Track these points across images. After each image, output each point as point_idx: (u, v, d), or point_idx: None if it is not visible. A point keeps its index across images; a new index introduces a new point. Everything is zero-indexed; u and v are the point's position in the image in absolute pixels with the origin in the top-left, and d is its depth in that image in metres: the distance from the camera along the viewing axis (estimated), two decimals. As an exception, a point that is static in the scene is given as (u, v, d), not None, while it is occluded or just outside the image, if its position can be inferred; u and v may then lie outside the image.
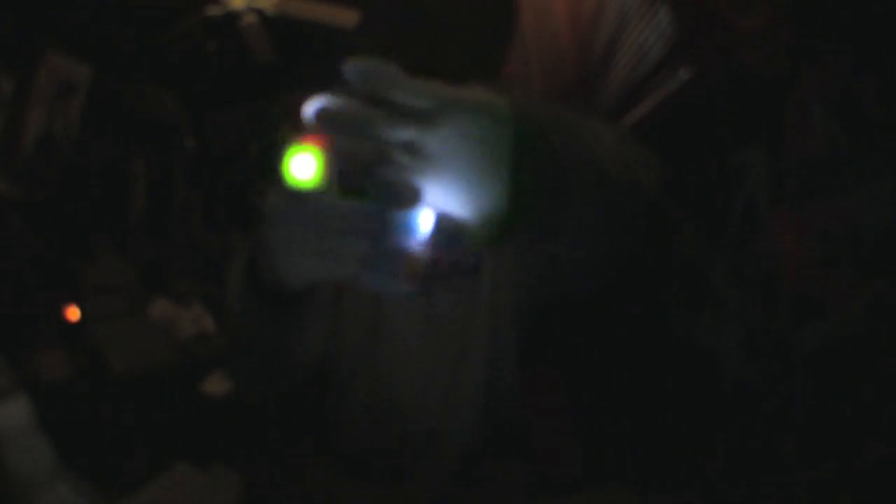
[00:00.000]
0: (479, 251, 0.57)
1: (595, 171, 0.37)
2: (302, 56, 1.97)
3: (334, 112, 0.29)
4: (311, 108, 0.30)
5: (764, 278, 0.55)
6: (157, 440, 1.19)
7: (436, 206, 0.32)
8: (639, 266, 0.51)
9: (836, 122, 0.51)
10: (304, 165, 0.30)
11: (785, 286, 0.53)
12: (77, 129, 1.88)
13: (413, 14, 0.65)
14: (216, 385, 1.43)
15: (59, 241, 1.71)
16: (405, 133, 0.30)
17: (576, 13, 0.69)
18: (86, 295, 1.61)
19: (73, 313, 1.55)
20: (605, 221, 0.40)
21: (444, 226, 0.32)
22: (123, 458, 1.08)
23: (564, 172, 0.35)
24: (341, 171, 0.31)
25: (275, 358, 0.48)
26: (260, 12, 1.81)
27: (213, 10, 1.81)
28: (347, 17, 1.66)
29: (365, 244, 0.30)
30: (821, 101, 0.52)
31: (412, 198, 0.29)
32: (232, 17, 1.83)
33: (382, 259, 0.31)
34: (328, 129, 0.30)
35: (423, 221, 0.31)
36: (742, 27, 0.55)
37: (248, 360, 0.51)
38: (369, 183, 0.29)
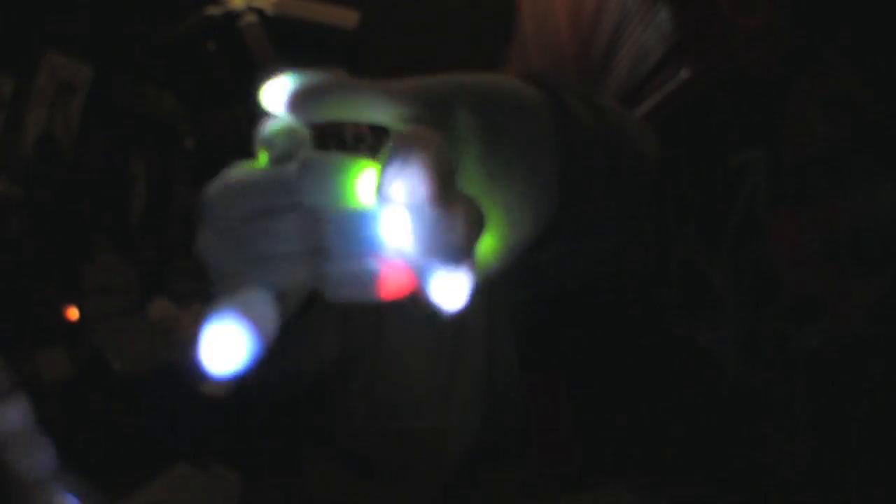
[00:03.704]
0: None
1: (618, 154, 0.34)
2: (302, 56, 1.97)
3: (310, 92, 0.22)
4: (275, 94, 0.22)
5: (764, 278, 0.55)
6: (157, 440, 1.19)
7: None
8: (633, 260, 0.51)
9: (835, 122, 0.51)
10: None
11: (785, 286, 0.53)
12: (77, 129, 1.88)
13: (412, 15, 0.64)
14: (216, 385, 1.43)
15: (59, 241, 1.71)
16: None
17: (576, 13, 0.69)
18: (86, 295, 1.61)
19: (73, 313, 1.55)
20: (617, 207, 0.37)
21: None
22: (123, 458, 1.08)
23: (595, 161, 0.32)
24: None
25: (284, 370, 0.47)
26: (260, 12, 1.81)
27: (213, 10, 1.81)
28: (347, 17, 1.65)
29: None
30: (821, 101, 0.52)
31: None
32: (232, 17, 1.83)
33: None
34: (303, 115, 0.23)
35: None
36: (742, 27, 0.55)
37: (255, 374, 0.50)
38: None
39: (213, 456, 1.09)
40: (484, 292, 0.60)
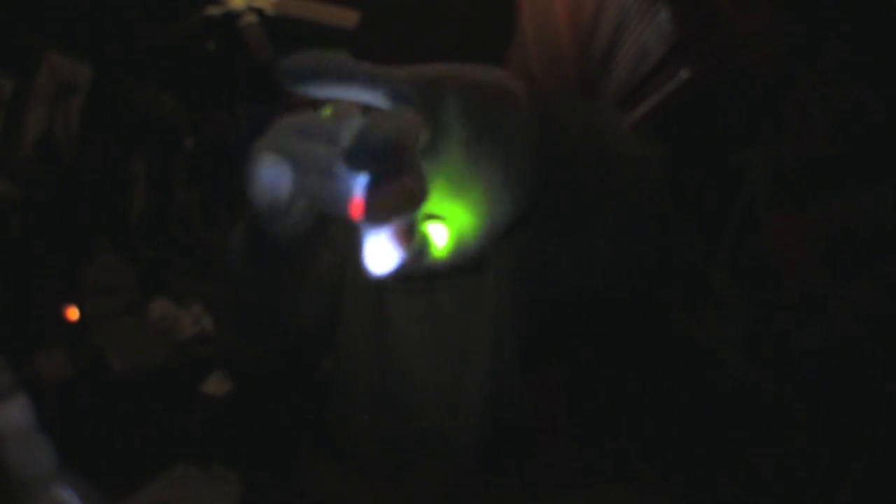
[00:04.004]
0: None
1: (613, 155, 0.37)
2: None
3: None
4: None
5: (764, 278, 0.55)
6: (157, 440, 1.19)
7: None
8: (641, 264, 0.51)
9: (835, 122, 0.51)
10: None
11: (785, 286, 0.53)
12: (77, 129, 1.88)
13: (412, 14, 0.64)
14: (216, 385, 1.43)
15: (59, 241, 1.71)
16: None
17: (576, 13, 0.69)
18: (86, 295, 1.61)
19: (73, 313, 1.55)
20: (622, 211, 0.39)
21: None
22: (123, 458, 1.08)
23: (586, 160, 0.35)
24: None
25: (271, 316, 0.49)
26: (260, 12, 1.81)
27: (213, 10, 1.81)
28: (347, 17, 1.65)
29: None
30: (821, 101, 0.52)
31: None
32: (232, 17, 1.83)
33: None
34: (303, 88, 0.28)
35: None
36: (742, 27, 0.55)
37: (244, 321, 0.52)
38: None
39: (213, 456, 1.09)
40: (487, 293, 0.60)
